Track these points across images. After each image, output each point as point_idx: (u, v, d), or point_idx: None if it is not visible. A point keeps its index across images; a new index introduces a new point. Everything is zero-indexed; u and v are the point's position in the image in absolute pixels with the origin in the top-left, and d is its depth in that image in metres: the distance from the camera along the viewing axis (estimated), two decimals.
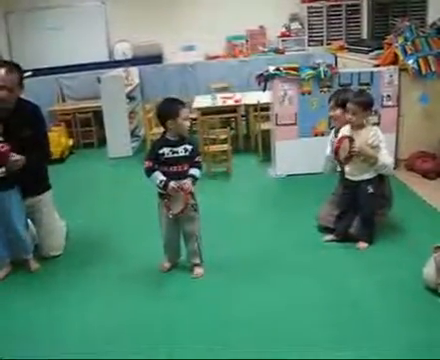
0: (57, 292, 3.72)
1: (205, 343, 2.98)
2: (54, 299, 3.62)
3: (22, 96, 4.00)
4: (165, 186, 3.50)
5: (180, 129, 3.57)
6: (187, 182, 3.51)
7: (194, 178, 3.58)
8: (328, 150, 4.19)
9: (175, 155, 3.56)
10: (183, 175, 3.55)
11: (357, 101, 3.86)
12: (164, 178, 3.52)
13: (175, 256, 3.93)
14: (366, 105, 3.88)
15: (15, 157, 3.66)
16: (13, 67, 3.87)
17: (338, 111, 4.15)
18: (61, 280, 3.90)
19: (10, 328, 3.30)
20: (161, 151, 3.56)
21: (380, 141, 3.89)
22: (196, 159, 3.64)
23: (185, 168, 3.58)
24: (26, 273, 4.03)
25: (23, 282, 3.91)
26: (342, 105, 4.06)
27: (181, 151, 3.57)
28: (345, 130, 4.00)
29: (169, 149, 3.56)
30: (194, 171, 3.59)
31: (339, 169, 4.18)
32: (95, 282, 3.83)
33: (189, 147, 3.59)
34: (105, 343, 3.06)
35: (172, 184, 3.48)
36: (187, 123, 3.59)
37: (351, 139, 3.82)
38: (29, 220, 4.23)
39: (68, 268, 4.08)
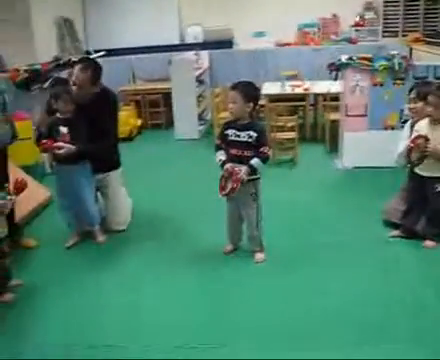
0: (116, 266, 3.88)
1: (254, 334, 2.98)
2: (113, 272, 3.78)
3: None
4: (222, 166, 3.57)
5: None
6: (241, 168, 3.49)
7: (252, 168, 3.52)
8: (401, 146, 4.00)
9: (237, 138, 3.57)
10: (244, 160, 3.54)
11: (439, 94, 3.71)
12: (223, 158, 3.60)
13: (236, 239, 3.97)
14: None
15: (62, 149, 3.82)
16: (88, 66, 4.02)
17: (419, 104, 3.99)
18: (122, 255, 4.05)
19: (73, 297, 3.46)
20: (226, 132, 3.63)
21: None
22: (261, 149, 3.54)
23: (246, 154, 3.55)
24: (91, 244, 4.23)
25: (89, 253, 4.10)
26: (424, 98, 3.90)
27: (244, 136, 3.55)
28: (422, 124, 3.85)
29: (233, 131, 3.59)
30: (254, 161, 3.52)
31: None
32: (155, 259, 3.94)
33: (254, 134, 3.53)
34: (155, 321, 3.14)
35: (227, 165, 3.53)
36: (231, 106, 3.57)
37: (426, 138, 3.69)
38: (99, 194, 4.42)
39: (130, 244, 4.22)
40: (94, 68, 4.04)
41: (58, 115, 3.93)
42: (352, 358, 2.70)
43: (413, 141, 3.75)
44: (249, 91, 3.58)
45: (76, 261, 3.97)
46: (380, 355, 2.71)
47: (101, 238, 4.28)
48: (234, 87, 3.57)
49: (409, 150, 3.79)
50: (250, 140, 3.54)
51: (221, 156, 3.62)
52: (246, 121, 3.59)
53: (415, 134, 3.82)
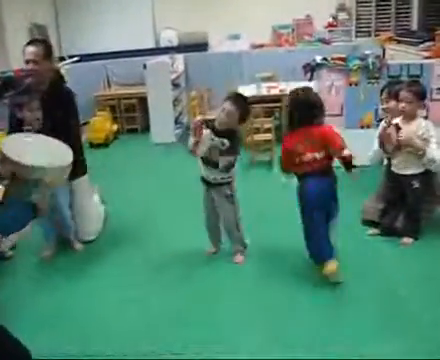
0: (90, 277, 3.78)
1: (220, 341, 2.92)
2: (86, 283, 3.70)
3: (68, 84, 4.12)
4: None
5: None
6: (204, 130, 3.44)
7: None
8: (376, 144, 4.07)
9: (211, 142, 3.52)
10: (213, 165, 3.54)
11: (412, 90, 3.75)
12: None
13: (216, 241, 3.95)
14: (420, 94, 3.78)
15: None
16: (38, 41, 4.00)
17: (392, 103, 4.03)
18: (95, 264, 3.96)
19: (47, 308, 3.39)
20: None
21: (430, 135, 3.77)
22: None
23: (215, 160, 3.53)
24: (68, 253, 4.14)
25: (64, 263, 4.02)
26: (395, 97, 3.95)
27: (218, 142, 3.51)
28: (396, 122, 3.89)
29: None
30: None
31: (385, 162, 4.09)
32: (130, 268, 3.86)
33: (226, 143, 3.48)
34: (125, 332, 3.07)
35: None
36: (223, 116, 3.51)
37: (398, 127, 3.73)
38: None
39: (104, 253, 4.13)
40: (45, 42, 4.00)
41: (25, 128, 3.65)
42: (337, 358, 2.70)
43: (384, 129, 3.79)
44: (246, 110, 3.59)
45: (48, 272, 3.89)
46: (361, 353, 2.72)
47: (79, 245, 4.20)
48: (234, 101, 3.51)
49: (381, 138, 3.81)
50: (223, 147, 3.50)
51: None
52: (225, 128, 3.53)
53: (384, 124, 3.87)
